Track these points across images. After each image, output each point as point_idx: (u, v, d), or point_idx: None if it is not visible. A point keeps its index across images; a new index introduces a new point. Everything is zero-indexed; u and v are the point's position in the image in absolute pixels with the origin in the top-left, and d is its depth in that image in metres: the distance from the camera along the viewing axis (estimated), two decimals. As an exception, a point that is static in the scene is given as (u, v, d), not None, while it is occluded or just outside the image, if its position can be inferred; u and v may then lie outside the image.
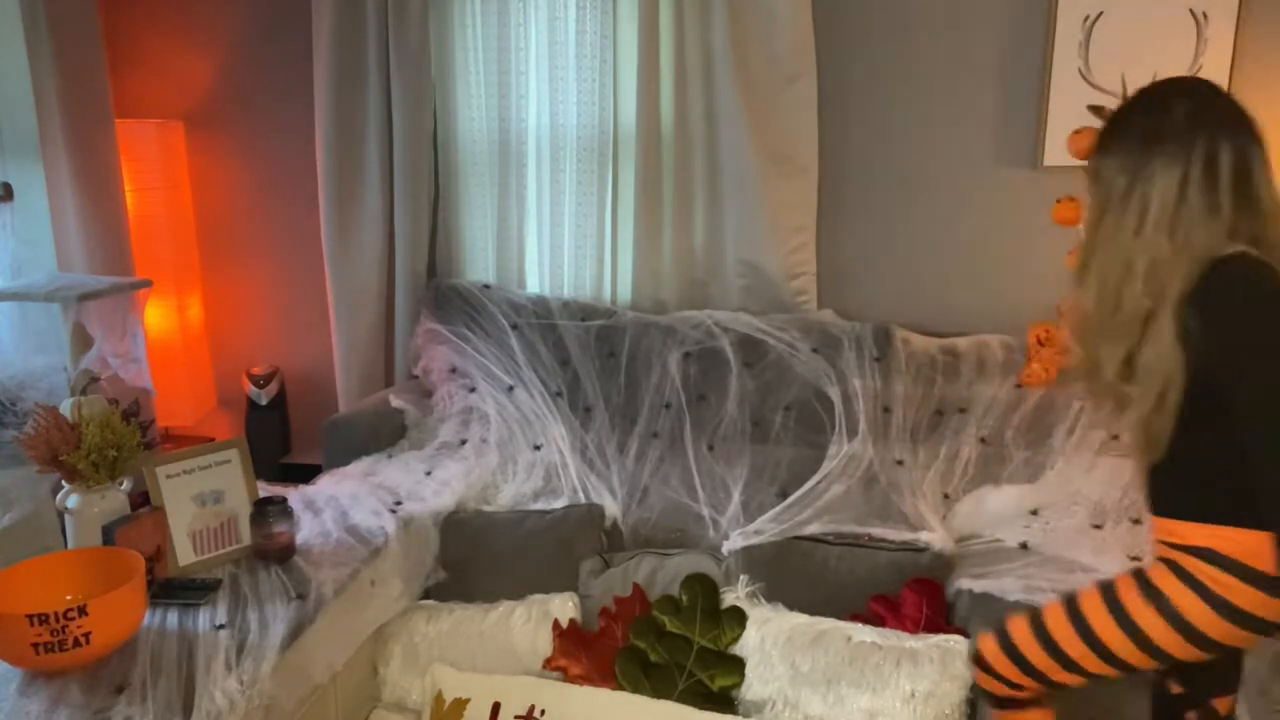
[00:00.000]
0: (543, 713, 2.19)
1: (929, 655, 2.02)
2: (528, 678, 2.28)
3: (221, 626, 1.89)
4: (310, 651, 1.98)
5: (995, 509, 2.51)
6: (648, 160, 3.22)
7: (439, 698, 2.26)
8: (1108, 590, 1.50)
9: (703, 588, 2.32)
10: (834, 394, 2.94)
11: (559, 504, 2.67)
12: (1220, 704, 1.59)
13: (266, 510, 2.19)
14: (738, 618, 2.26)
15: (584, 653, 2.36)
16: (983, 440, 2.82)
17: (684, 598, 2.32)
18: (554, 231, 3.40)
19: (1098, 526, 2.40)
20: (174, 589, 2.04)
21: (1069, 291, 1.54)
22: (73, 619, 1.66)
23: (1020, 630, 1.59)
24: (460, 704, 2.24)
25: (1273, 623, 1.37)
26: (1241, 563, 1.36)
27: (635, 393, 3.10)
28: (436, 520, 2.55)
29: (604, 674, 2.28)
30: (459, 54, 3.38)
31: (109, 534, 1.95)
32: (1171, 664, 1.47)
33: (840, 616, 2.22)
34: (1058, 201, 2.66)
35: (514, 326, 3.22)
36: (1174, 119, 1.41)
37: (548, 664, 2.32)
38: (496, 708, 2.22)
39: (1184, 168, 1.38)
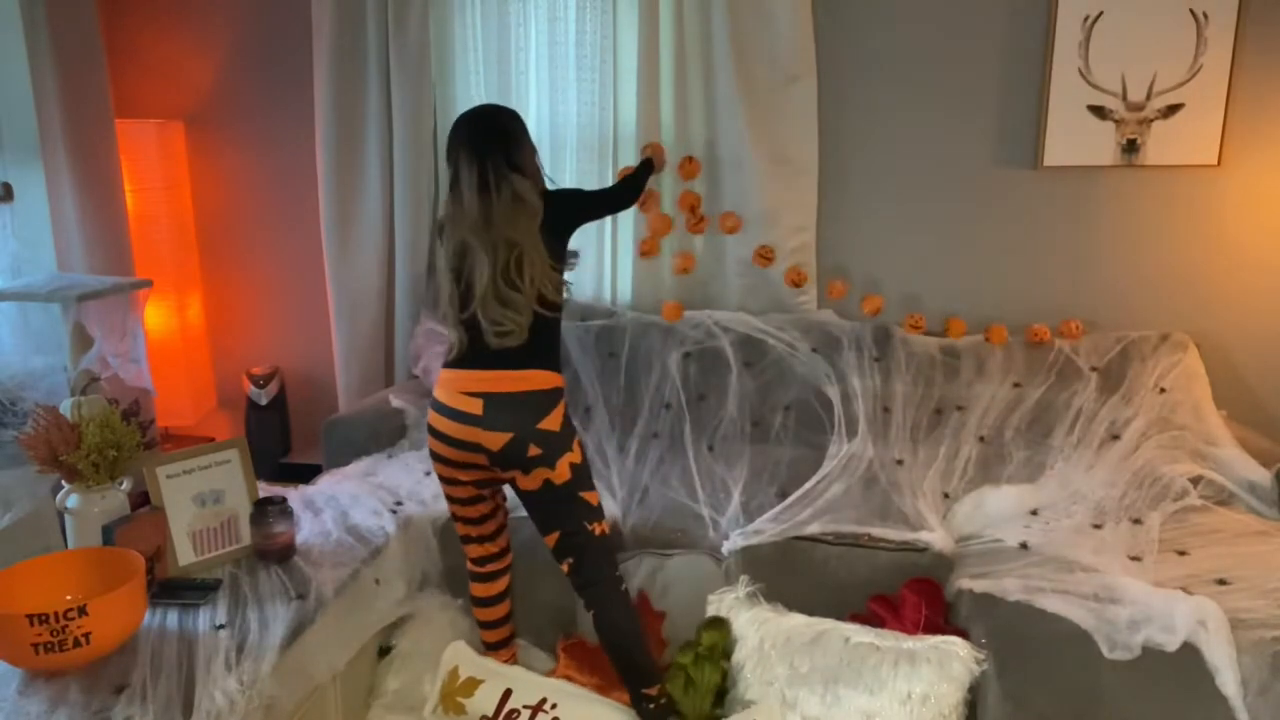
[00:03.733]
0: (554, 706, 2.20)
1: (926, 657, 2.02)
2: (541, 676, 2.30)
3: (221, 626, 1.89)
4: (310, 651, 1.98)
5: (995, 509, 2.51)
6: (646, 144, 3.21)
7: (454, 672, 2.28)
8: None
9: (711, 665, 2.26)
10: (834, 394, 2.94)
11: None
12: (548, 539, 2.18)
13: (266, 510, 2.19)
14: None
15: (590, 665, 2.36)
16: (982, 439, 2.82)
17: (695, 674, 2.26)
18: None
19: (1098, 526, 2.39)
20: (174, 589, 2.04)
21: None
22: (73, 619, 1.66)
23: None
24: (474, 682, 2.26)
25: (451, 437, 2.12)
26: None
27: (635, 393, 3.10)
28: (435, 527, 2.55)
29: (612, 684, 2.28)
30: (459, 54, 3.38)
31: (109, 534, 1.96)
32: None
33: (840, 616, 2.21)
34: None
35: (514, 326, 3.21)
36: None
37: (552, 675, 2.33)
38: (507, 693, 2.23)
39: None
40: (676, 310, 3.18)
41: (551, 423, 2.10)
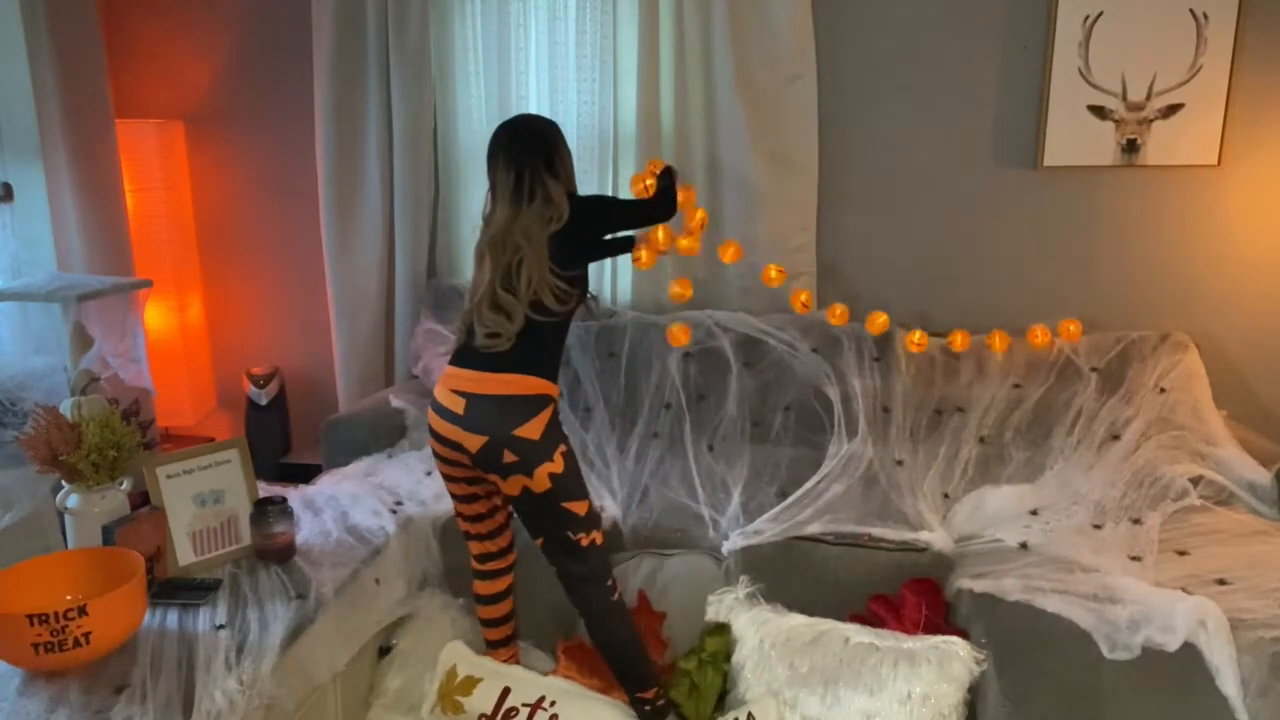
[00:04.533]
0: (552, 704, 2.20)
1: (926, 657, 2.02)
2: (540, 675, 2.30)
3: (221, 626, 1.89)
4: (311, 651, 1.98)
5: (995, 509, 2.51)
6: (648, 160, 3.21)
7: (452, 671, 2.28)
8: None
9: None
10: (834, 394, 2.94)
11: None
12: (536, 543, 2.19)
13: (266, 510, 2.19)
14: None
15: (590, 667, 2.36)
16: (982, 440, 2.82)
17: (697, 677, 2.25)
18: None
19: (1098, 526, 2.39)
20: (174, 589, 2.04)
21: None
22: (73, 619, 1.66)
23: None
24: (472, 681, 2.26)
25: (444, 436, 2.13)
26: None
27: (635, 393, 3.10)
28: (435, 527, 2.55)
29: (612, 686, 2.28)
30: (459, 54, 3.38)
31: (109, 534, 1.96)
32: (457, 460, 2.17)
33: (840, 616, 2.22)
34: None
35: (514, 326, 3.21)
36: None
37: (552, 676, 2.33)
38: (506, 691, 2.23)
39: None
40: (684, 333, 3.06)
41: (530, 430, 2.07)
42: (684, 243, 2.75)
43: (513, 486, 2.10)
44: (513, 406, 2.09)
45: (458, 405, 2.10)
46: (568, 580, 2.20)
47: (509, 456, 2.06)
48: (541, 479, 2.08)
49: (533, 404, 2.10)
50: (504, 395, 2.09)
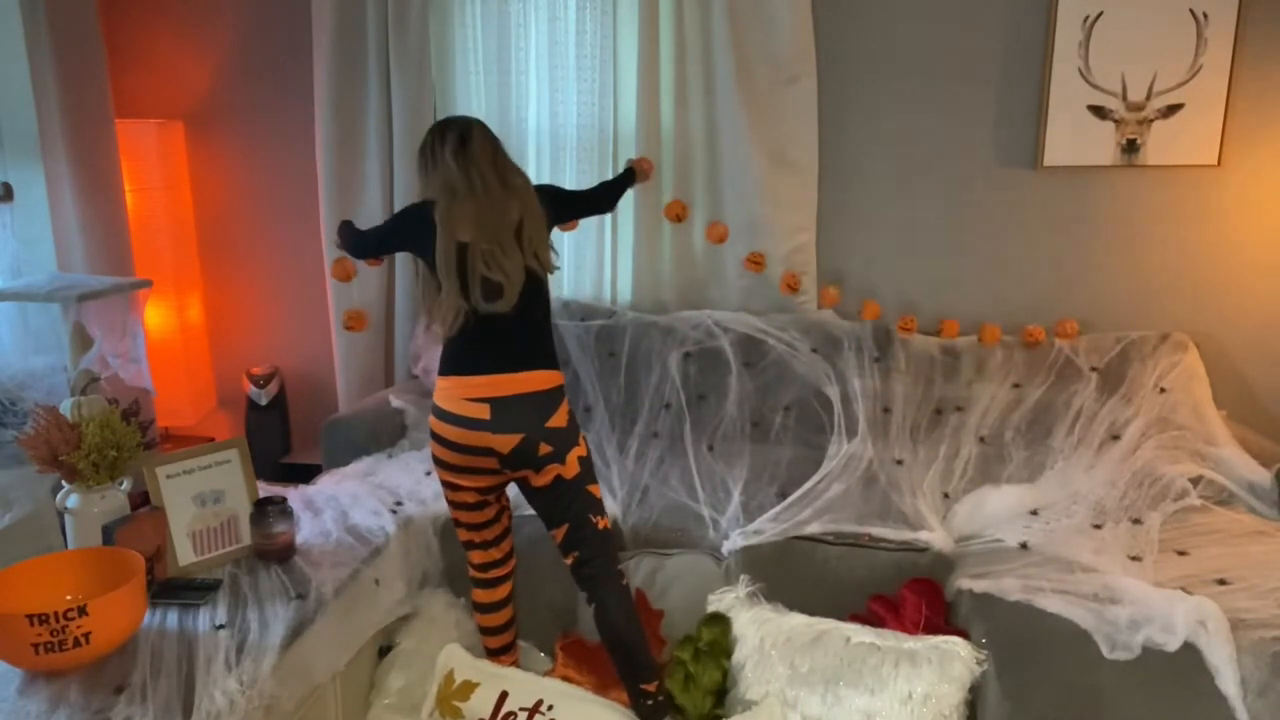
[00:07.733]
0: (550, 708, 2.20)
1: (927, 657, 2.02)
2: (538, 677, 2.29)
3: (221, 626, 1.89)
4: (311, 651, 1.98)
5: (995, 509, 2.51)
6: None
7: (449, 676, 2.27)
8: None
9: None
10: (834, 394, 2.94)
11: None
12: (555, 534, 2.20)
13: (266, 510, 2.19)
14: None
15: (587, 665, 2.36)
16: (982, 440, 2.82)
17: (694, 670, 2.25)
18: (554, 232, 3.39)
19: (1098, 526, 2.39)
20: (174, 589, 2.04)
21: None
22: (73, 619, 1.66)
23: None
24: (469, 686, 2.25)
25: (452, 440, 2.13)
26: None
27: (635, 393, 3.10)
28: (435, 527, 2.55)
29: (609, 683, 2.28)
30: (459, 54, 3.38)
31: (109, 534, 1.96)
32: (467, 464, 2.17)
33: (840, 616, 2.21)
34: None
35: (514, 326, 3.21)
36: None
37: (550, 675, 2.32)
38: (503, 696, 2.22)
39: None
40: (682, 208, 3.23)
41: (559, 419, 2.13)
42: None
43: (544, 477, 2.13)
44: (540, 401, 2.12)
45: (482, 412, 2.09)
46: (583, 568, 2.19)
47: (544, 448, 2.10)
48: (573, 463, 2.13)
49: (555, 396, 2.15)
50: (528, 393, 2.12)
